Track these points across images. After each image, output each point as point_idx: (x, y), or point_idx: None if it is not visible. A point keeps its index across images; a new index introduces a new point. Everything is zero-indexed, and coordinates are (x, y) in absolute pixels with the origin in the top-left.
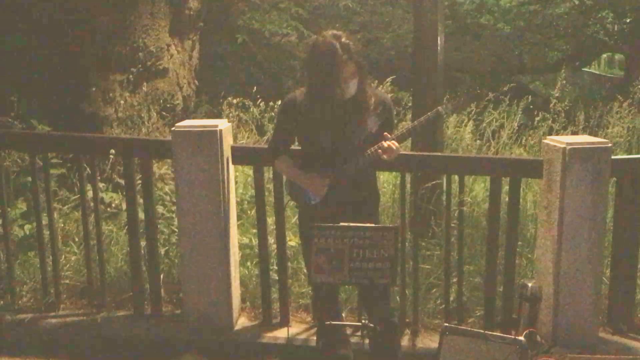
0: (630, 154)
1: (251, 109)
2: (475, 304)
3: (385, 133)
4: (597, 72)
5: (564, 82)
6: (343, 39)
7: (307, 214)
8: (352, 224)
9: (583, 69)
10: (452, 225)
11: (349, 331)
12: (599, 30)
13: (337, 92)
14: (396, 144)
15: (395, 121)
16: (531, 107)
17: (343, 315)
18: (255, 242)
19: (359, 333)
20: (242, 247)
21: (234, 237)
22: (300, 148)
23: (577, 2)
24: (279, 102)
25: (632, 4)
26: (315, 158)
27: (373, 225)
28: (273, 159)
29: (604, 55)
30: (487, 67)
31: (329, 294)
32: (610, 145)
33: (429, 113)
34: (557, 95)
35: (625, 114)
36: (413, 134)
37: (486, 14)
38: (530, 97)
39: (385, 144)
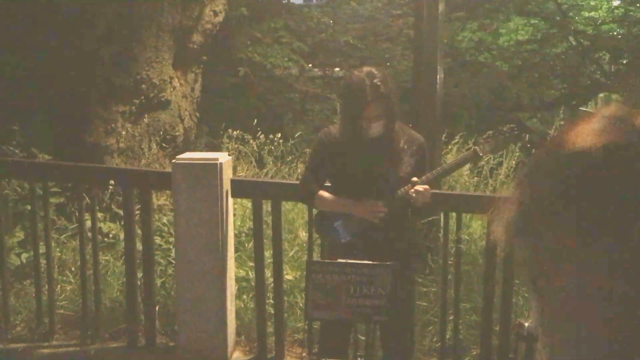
0: None
1: (250, 142)
2: (471, 342)
3: (414, 178)
4: (594, 112)
5: (562, 122)
6: (375, 80)
7: (336, 252)
8: (349, 261)
9: (580, 108)
10: (449, 262)
11: None
12: (596, 71)
13: (361, 131)
14: (425, 187)
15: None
16: (529, 145)
17: None
18: (252, 275)
19: None
20: (238, 279)
21: (231, 269)
22: (329, 185)
23: (574, 43)
24: (279, 135)
25: (628, 45)
26: (349, 195)
27: (370, 262)
28: (309, 195)
29: (601, 95)
30: (485, 104)
31: (338, 332)
32: None
33: (465, 153)
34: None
35: None
36: (448, 175)
37: (484, 52)
38: (527, 135)
39: (414, 188)
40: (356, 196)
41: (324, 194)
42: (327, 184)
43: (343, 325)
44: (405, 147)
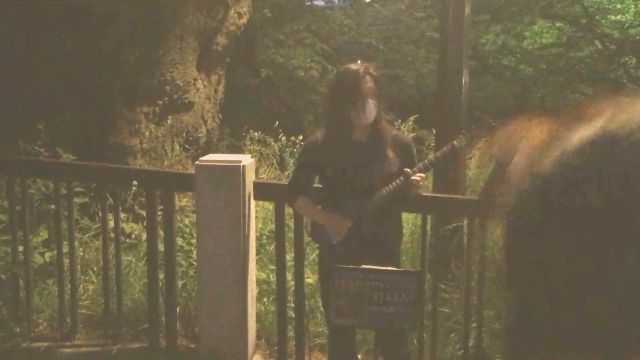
0: None
1: (272, 144)
2: (495, 351)
3: (406, 169)
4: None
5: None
6: (364, 64)
7: (327, 253)
8: (373, 267)
9: None
10: (473, 268)
11: None
12: (623, 75)
13: (359, 107)
14: (422, 175)
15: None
16: None
17: (359, 357)
18: (273, 278)
19: None
20: (259, 282)
21: (252, 272)
22: (321, 187)
23: (600, 47)
24: (300, 138)
25: None
26: (338, 195)
27: (394, 269)
28: (293, 199)
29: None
30: (509, 107)
31: (346, 335)
32: None
33: (444, 148)
34: None
35: None
36: (430, 169)
37: (508, 55)
38: None
39: (412, 178)
40: (345, 195)
41: (303, 200)
42: (319, 184)
43: (348, 328)
44: (391, 146)
